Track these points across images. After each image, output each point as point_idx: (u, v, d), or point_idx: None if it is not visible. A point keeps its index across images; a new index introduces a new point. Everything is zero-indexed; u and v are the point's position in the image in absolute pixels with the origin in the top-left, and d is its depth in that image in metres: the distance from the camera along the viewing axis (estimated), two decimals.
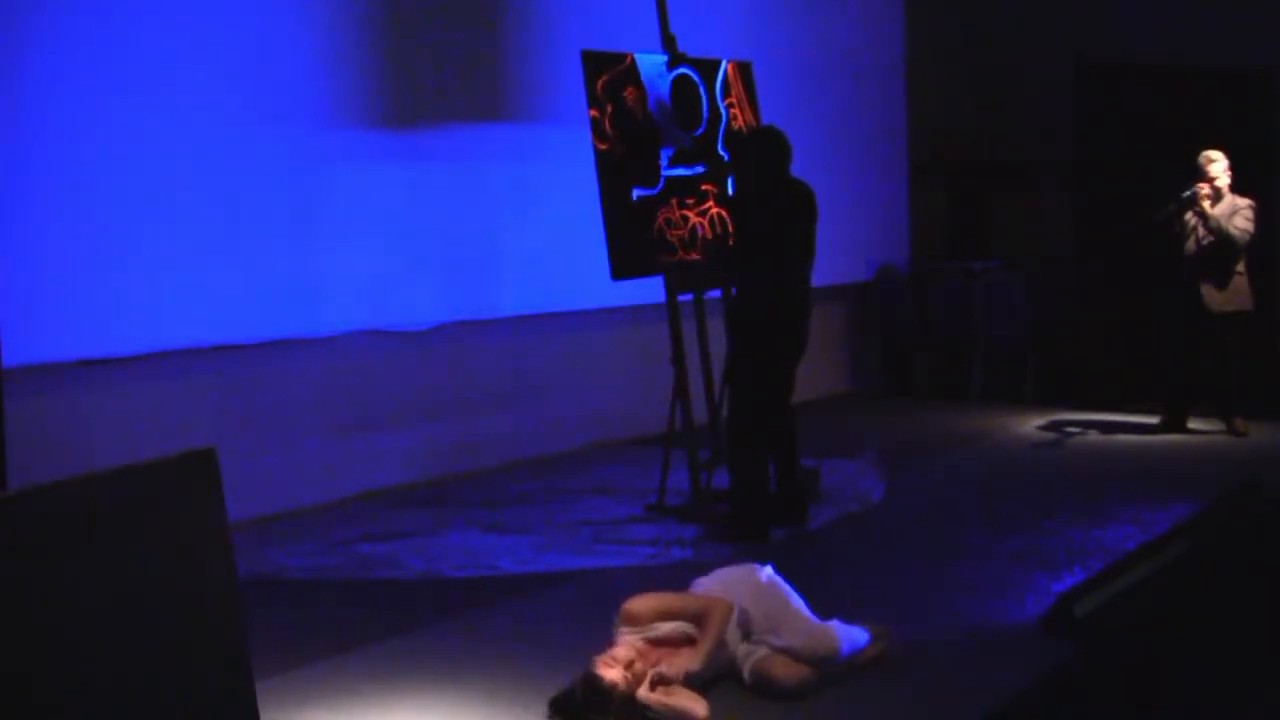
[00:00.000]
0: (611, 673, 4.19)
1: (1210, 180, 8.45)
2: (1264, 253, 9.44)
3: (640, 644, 4.39)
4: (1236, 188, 8.53)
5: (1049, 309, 10.52)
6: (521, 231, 8.11)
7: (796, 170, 6.57)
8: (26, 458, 5.50)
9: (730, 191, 7.38)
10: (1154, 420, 9.03)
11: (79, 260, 6.17)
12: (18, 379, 5.70)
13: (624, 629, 4.47)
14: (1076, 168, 10.72)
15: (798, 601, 4.65)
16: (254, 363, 6.97)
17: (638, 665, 4.27)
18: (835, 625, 4.64)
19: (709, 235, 7.26)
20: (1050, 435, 8.99)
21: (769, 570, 4.74)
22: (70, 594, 2.87)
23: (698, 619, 4.47)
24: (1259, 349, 9.43)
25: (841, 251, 10.29)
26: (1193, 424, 8.89)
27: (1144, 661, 4.86)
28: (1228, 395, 8.79)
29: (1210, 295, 8.49)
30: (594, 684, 4.20)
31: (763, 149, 6.52)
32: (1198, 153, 8.57)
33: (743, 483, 6.48)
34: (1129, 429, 9.05)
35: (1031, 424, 9.33)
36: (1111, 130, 10.35)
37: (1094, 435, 8.96)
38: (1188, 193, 8.45)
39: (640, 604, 4.50)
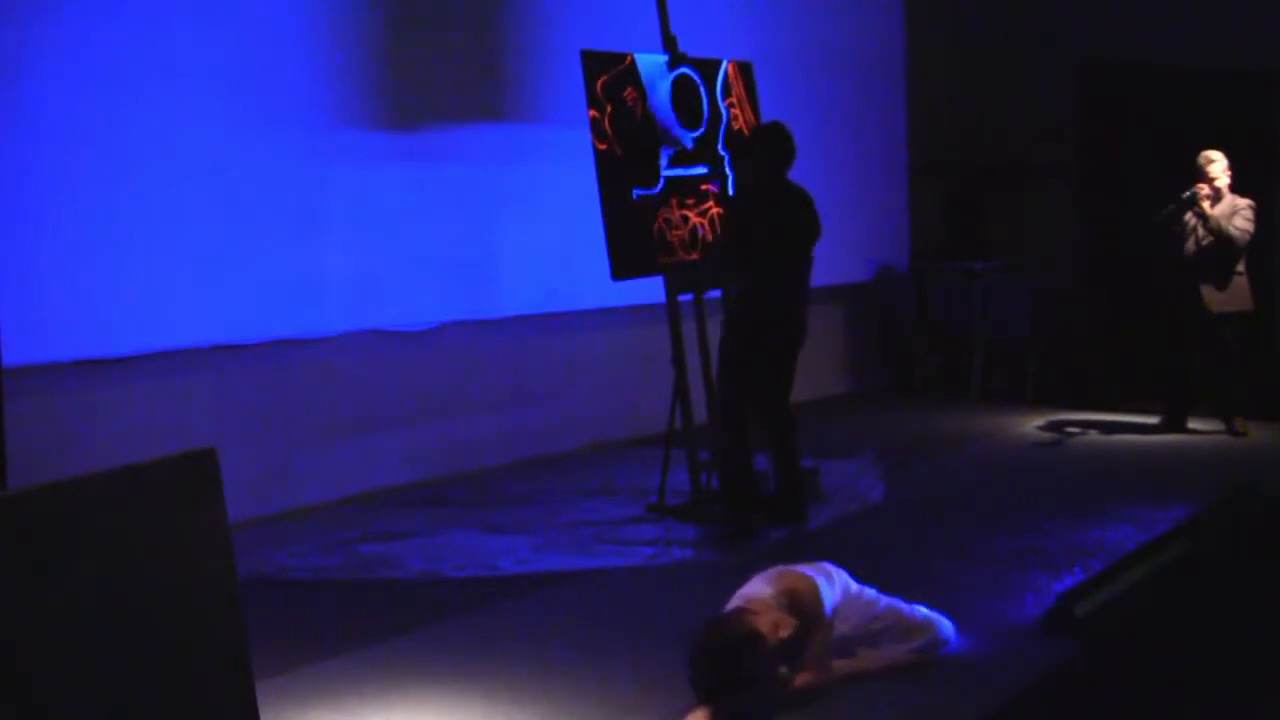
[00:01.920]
0: (766, 626, 4.11)
1: (1210, 180, 8.45)
2: (1264, 253, 9.45)
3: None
4: (1237, 188, 8.52)
5: (1049, 309, 10.52)
6: (521, 231, 8.10)
7: (798, 169, 6.57)
8: (26, 458, 5.51)
9: (731, 188, 7.38)
10: (1154, 420, 9.04)
11: (79, 260, 6.17)
12: (18, 379, 5.71)
13: (771, 594, 4.31)
14: (1077, 168, 10.74)
15: (887, 599, 4.69)
16: (254, 363, 6.97)
17: (783, 631, 4.18)
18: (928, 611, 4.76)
19: (709, 236, 7.26)
20: (1050, 435, 8.99)
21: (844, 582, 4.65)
22: (70, 594, 2.86)
23: (799, 655, 4.27)
24: (1259, 349, 9.44)
25: (841, 251, 10.27)
26: (1193, 424, 8.89)
27: (1144, 661, 4.86)
28: (1228, 395, 8.79)
29: (1210, 296, 8.48)
30: (753, 631, 4.10)
31: (769, 145, 6.51)
32: (1198, 154, 8.57)
33: (727, 482, 6.52)
34: (1129, 429, 9.05)
35: (1031, 424, 9.33)
36: (1112, 131, 10.37)
37: (1094, 435, 8.96)
38: (1188, 193, 8.45)
39: (803, 588, 4.33)
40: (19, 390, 5.69)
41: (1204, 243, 8.46)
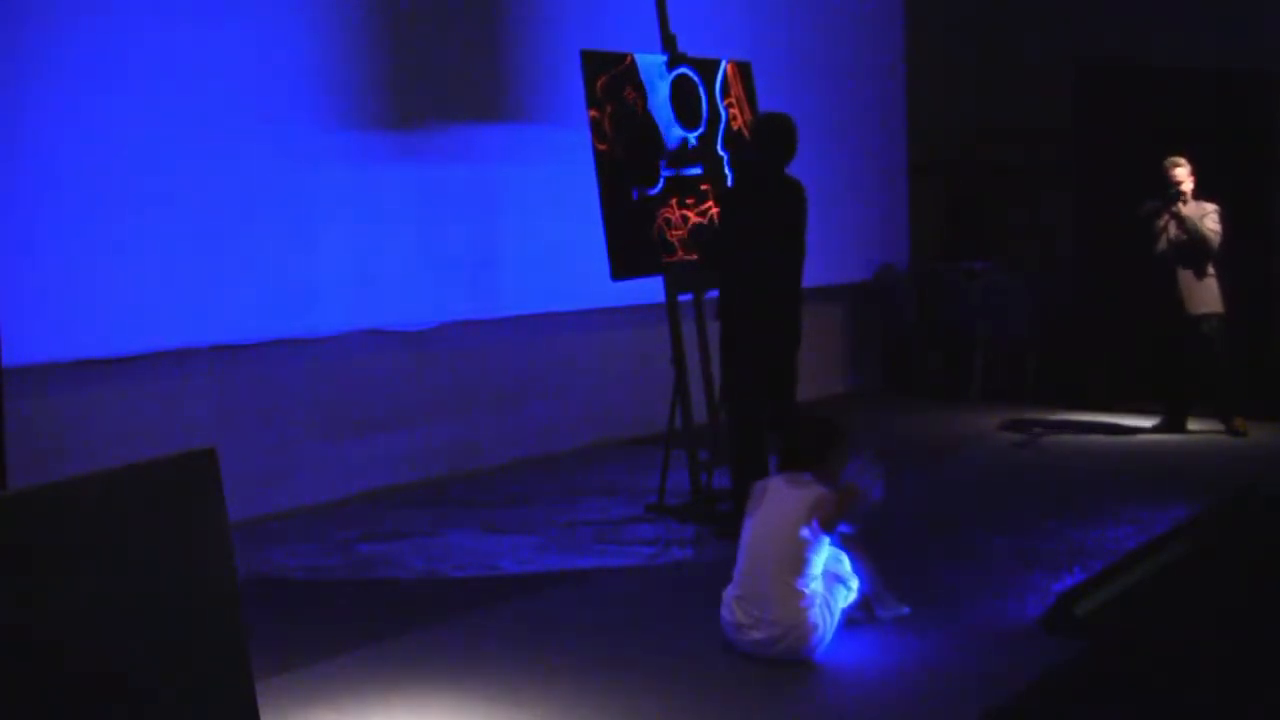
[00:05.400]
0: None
1: (1176, 183, 8.55)
2: (1261, 254, 9.48)
3: None
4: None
5: (1049, 309, 10.52)
6: (521, 231, 8.11)
7: (797, 169, 6.55)
8: (26, 458, 5.51)
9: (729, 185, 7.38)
10: (1153, 420, 9.04)
11: (78, 260, 6.17)
12: (18, 379, 5.70)
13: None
14: (1076, 168, 10.73)
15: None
16: (254, 363, 6.97)
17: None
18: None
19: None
20: (1050, 435, 8.99)
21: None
22: (70, 594, 2.86)
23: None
24: (1252, 349, 9.46)
25: (841, 251, 10.29)
26: (1193, 424, 8.90)
27: (1144, 661, 4.86)
28: (1225, 395, 8.81)
29: (1187, 295, 8.57)
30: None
31: (771, 136, 6.42)
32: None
33: (734, 479, 6.52)
34: (1128, 429, 9.06)
35: (1031, 424, 9.33)
36: (1111, 131, 10.36)
37: (1093, 435, 8.96)
38: (1173, 193, 8.52)
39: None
40: (19, 390, 5.69)
41: (1176, 242, 8.54)
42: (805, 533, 4.73)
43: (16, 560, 2.79)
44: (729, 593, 4.86)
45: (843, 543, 4.95)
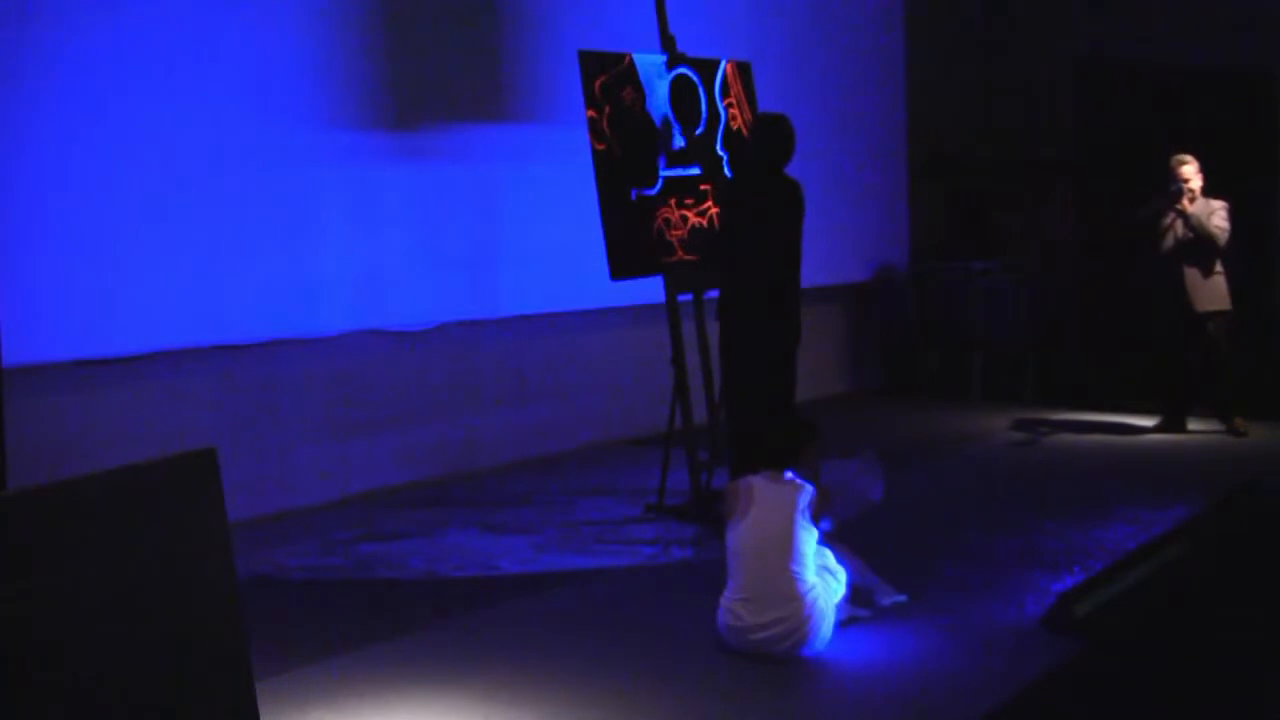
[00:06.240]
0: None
1: (1184, 182, 8.54)
2: (1262, 253, 9.48)
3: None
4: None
5: (1049, 309, 10.52)
6: (521, 231, 8.11)
7: (798, 169, 6.56)
8: (26, 458, 5.51)
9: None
10: (1153, 420, 9.04)
11: (78, 260, 6.17)
12: (18, 379, 5.71)
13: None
14: (1077, 168, 10.74)
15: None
16: (254, 363, 6.97)
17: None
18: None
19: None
20: (1050, 435, 8.99)
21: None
22: (70, 594, 2.86)
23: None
24: (1253, 349, 9.46)
25: (841, 251, 10.30)
26: (1192, 424, 8.90)
27: (1144, 661, 4.86)
28: (1225, 395, 8.81)
29: (1194, 293, 8.56)
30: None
31: (766, 137, 6.48)
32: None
33: (734, 479, 6.52)
34: (1128, 429, 9.06)
35: (1031, 424, 9.33)
36: (1112, 131, 10.37)
37: (1094, 435, 8.96)
38: (1175, 190, 8.52)
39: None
40: (19, 390, 5.70)
41: (1183, 240, 8.53)
42: (799, 528, 4.77)
43: (16, 560, 2.79)
44: (728, 597, 4.86)
45: (825, 539, 5.00)
